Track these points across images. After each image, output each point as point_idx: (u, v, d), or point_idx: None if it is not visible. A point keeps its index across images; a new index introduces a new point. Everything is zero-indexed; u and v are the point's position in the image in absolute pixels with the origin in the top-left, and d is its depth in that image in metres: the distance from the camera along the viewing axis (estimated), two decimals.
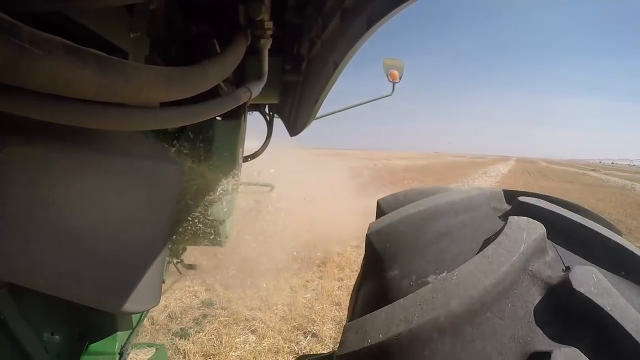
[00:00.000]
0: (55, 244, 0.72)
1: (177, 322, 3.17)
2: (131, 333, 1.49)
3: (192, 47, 1.43)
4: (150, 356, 1.72)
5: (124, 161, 0.84)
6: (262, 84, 1.29)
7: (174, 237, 1.99)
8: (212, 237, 2.07)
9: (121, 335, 1.44)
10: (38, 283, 0.72)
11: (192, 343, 2.85)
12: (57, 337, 1.17)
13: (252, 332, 3.08)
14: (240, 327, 3.12)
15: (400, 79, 3.00)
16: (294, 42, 1.79)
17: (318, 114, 2.33)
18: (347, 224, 5.47)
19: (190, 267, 2.61)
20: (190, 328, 3.07)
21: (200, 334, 2.97)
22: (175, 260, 2.33)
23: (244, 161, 2.23)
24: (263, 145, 2.54)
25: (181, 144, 1.72)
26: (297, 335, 3.11)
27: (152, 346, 1.80)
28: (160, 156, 1.03)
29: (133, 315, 1.51)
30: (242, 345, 2.87)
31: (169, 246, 1.98)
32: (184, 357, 2.69)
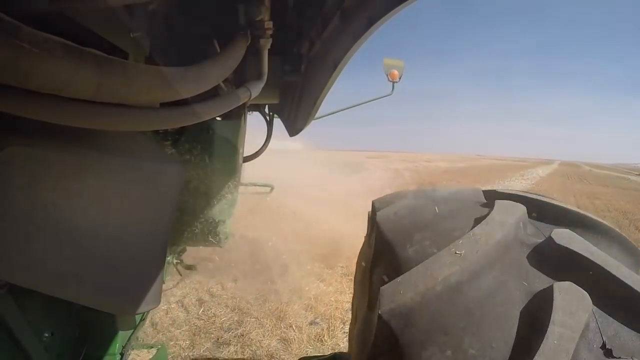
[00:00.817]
0: (55, 244, 0.71)
1: (264, 274, 4.35)
2: (132, 334, 1.49)
3: (192, 47, 1.43)
4: (151, 357, 1.72)
5: (124, 161, 0.84)
6: (262, 84, 1.29)
7: (174, 237, 1.98)
8: (211, 238, 2.07)
9: (122, 336, 1.44)
10: (38, 283, 0.72)
11: (280, 286, 4.10)
12: (57, 337, 1.17)
13: (322, 281, 4.40)
14: (313, 278, 4.44)
15: (400, 78, 3.00)
16: (293, 42, 1.78)
17: (317, 114, 2.33)
18: None
19: (190, 267, 2.61)
20: (276, 279, 4.25)
21: (285, 283, 4.19)
22: (175, 261, 2.33)
23: (243, 161, 2.23)
24: (263, 145, 2.53)
25: (181, 144, 1.72)
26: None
27: (153, 347, 1.80)
28: (160, 156, 1.03)
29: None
30: (316, 289, 4.17)
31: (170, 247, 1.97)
32: (276, 294, 3.89)
